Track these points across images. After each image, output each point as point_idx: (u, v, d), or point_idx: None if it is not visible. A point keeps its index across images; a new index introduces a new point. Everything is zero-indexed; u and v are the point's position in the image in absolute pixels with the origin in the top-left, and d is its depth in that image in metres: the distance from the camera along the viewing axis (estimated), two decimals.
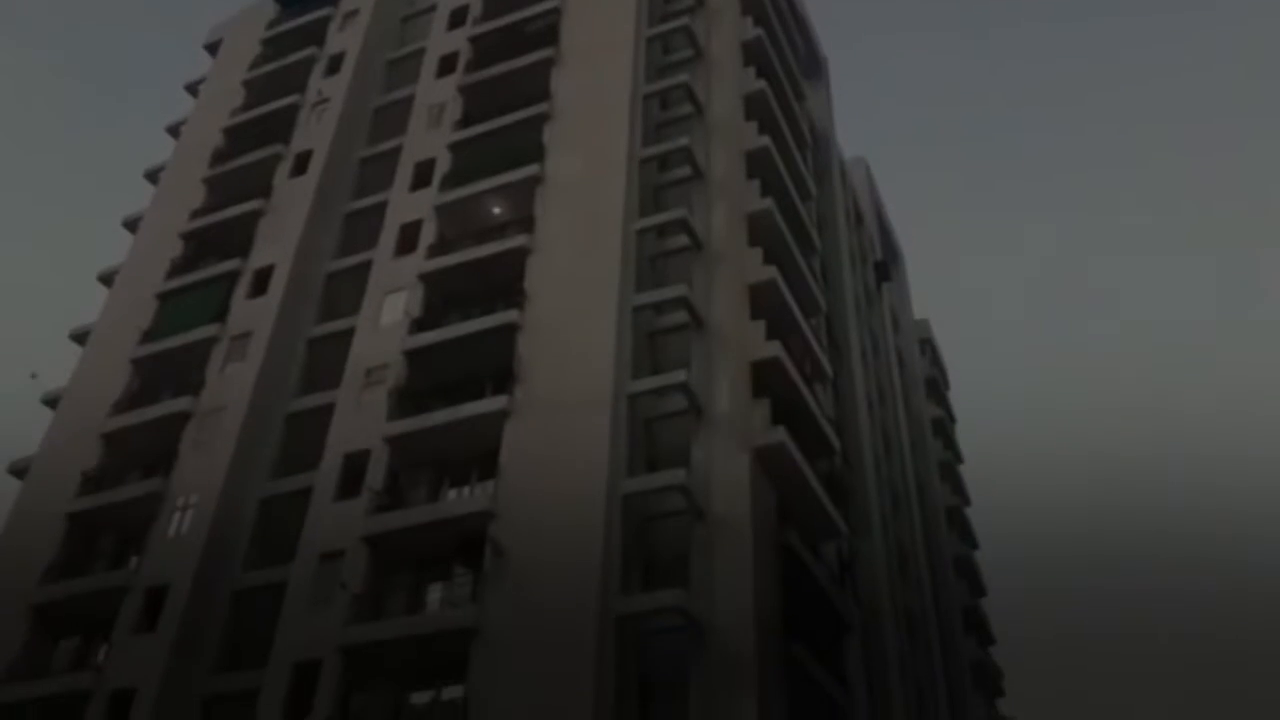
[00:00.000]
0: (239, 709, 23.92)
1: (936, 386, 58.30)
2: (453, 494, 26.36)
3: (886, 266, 51.59)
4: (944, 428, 56.98)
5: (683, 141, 30.70)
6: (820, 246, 36.15)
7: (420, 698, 23.25)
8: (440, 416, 26.47)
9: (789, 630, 23.42)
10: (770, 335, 26.58)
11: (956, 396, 62.94)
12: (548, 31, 35.35)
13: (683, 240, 28.82)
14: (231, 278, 33.55)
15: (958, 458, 59.06)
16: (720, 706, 20.71)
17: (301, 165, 36.03)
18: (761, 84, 33.08)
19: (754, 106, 32.65)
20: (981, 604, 53.94)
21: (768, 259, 28.39)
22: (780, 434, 24.78)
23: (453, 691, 22.42)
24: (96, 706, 25.10)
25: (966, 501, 57.60)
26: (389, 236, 32.34)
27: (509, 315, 27.64)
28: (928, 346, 59.21)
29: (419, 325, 29.05)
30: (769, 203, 29.54)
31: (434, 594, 24.35)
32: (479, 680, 21.75)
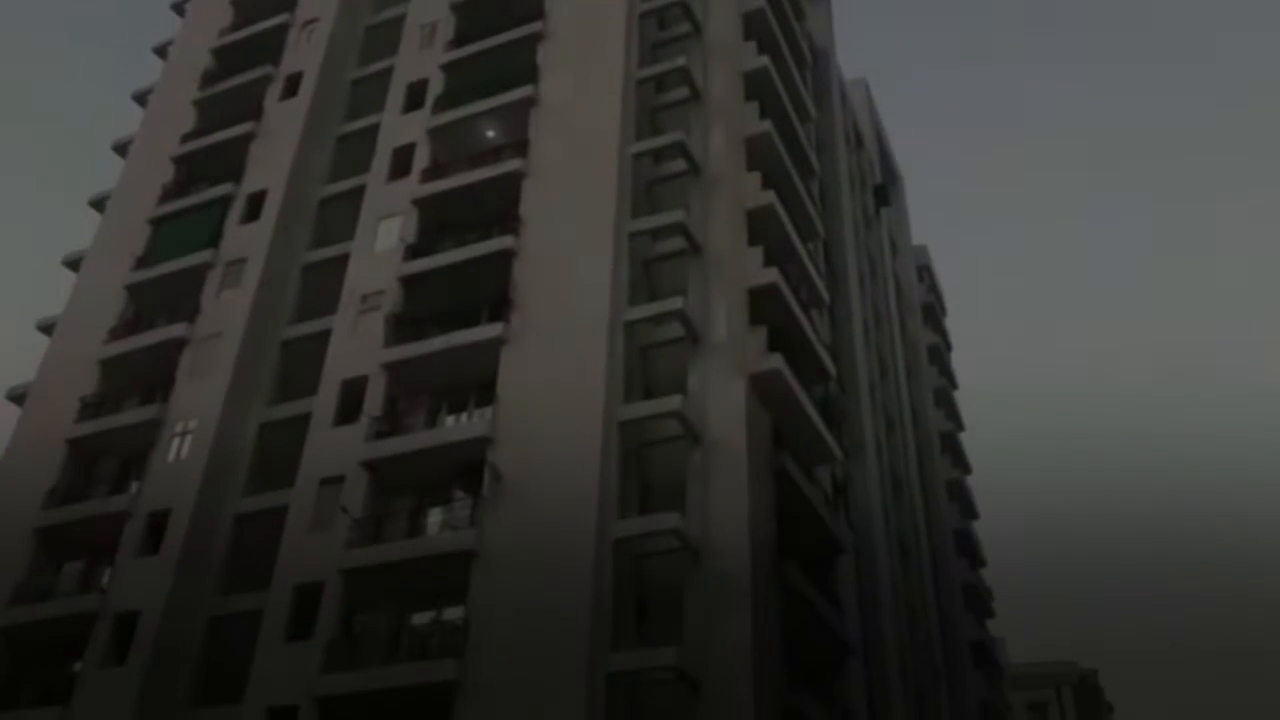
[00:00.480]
0: (242, 630, 24.37)
1: (933, 312, 58.28)
2: (451, 420, 26.48)
3: (886, 190, 51.10)
4: (940, 354, 57.12)
5: (680, 62, 30.12)
6: (819, 170, 35.77)
7: (421, 618, 23.69)
8: (437, 343, 26.48)
9: (783, 552, 23.79)
10: (768, 261, 26.46)
11: (953, 323, 63.05)
12: None
13: (680, 165, 28.49)
14: (224, 202, 33.22)
15: (953, 384, 59.34)
16: (715, 625, 21.15)
17: (292, 87, 35.39)
18: (761, 2, 32.36)
19: (753, 25, 31.99)
20: (973, 527, 54.73)
21: (766, 183, 28.12)
22: (776, 361, 24.83)
23: (453, 612, 22.85)
24: (102, 627, 25.56)
25: (960, 427, 58.02)
26: (382, 160, 31.94)
27: (504, 242, 27.45)
28: (925, 272, 59.02)
29: (414, 251, 28.86)
30: (768, 125, 29.13)
31: (434, 518, 24.63)
32: (479, 601, 22.14)
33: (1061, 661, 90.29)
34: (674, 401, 23.60)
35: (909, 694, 33.72)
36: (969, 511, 55.23)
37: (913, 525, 41.33)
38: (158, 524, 26.92)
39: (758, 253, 26.52)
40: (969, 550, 52.97)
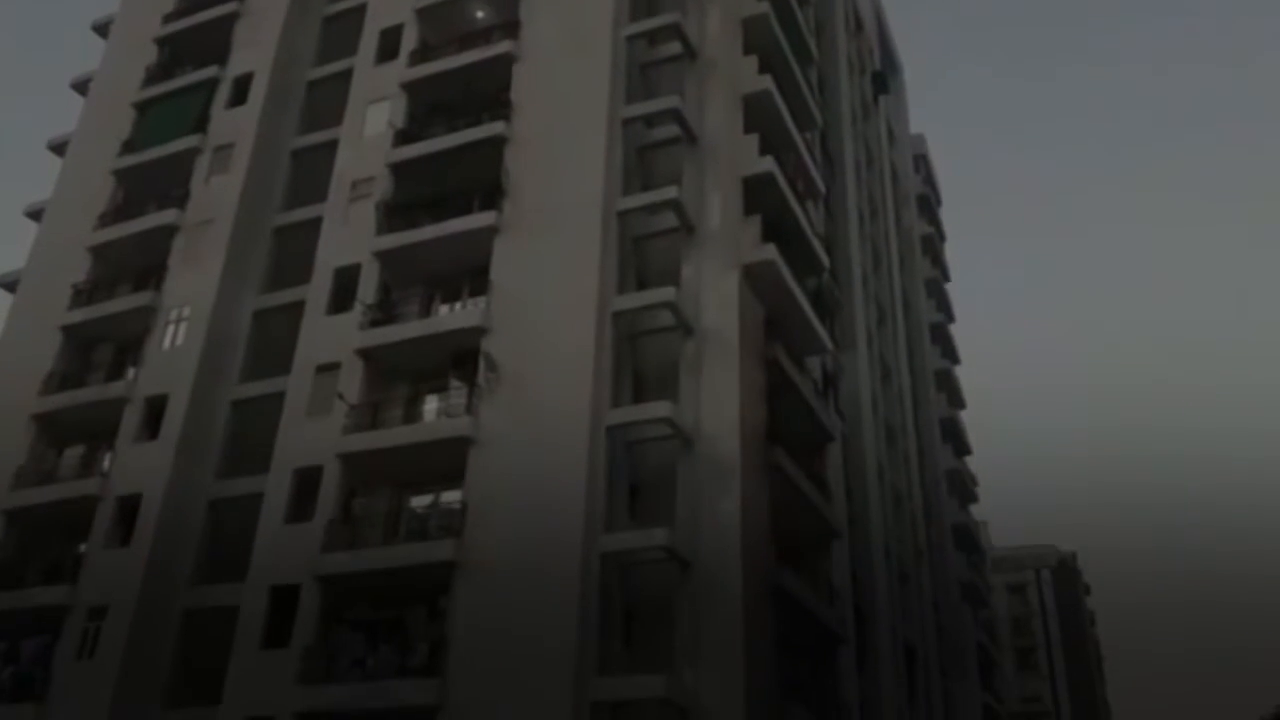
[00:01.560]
0: (243, 511, 24.97)
1: (928, 203, 57.92)
2: (444, 310, 26.56)
3: (885, 78, 50.12)
4: (933, 245, 57.01)
5: None
6: (817, 55, 35.02)
7: (419, 502, 24.28)
8: (429, 232, 26.35)
9: (772, 439, 24.26)
10: (763, 150, 26.17)
11: (947, 215, 62.70)
12: None
13: (675, 48, 27.86)
14: (210, 86, 32.55)
15: (945, 275, 59.40)
16: (705, 508, 21.72)
17: None
18: None
19: None
20: (960, 416, 55.61)
21: (763, 68, 27.56)
22: (770, 252, 24.82)
23: (451, 496, 23.41)
24: (105, 510, 26.14)
25: (951, 318, 58.37)
26: (369, 42, 31.17)
27: (495, 128, 27.03)
28: (922, 163, 58.39)
29: (404, 137, 28.45)
30: (765, 7, 28.38)
31: (430, 405, 24.95)
32: (476, 485, 22.66)
33: (1041, 545, 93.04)
34: (667, 292, 23.68)
35: (892, 574, 34.87)
36: (956, 401, 56.05)
37: (900, 413, 41.99)
38: (156, 409, 27.27)
39: (753, 140, 26.20)
40: (955, 438, 53.96)
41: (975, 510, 58.21)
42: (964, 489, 54.20)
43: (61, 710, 23.66)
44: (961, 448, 55.39)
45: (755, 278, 24.96)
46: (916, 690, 35.46)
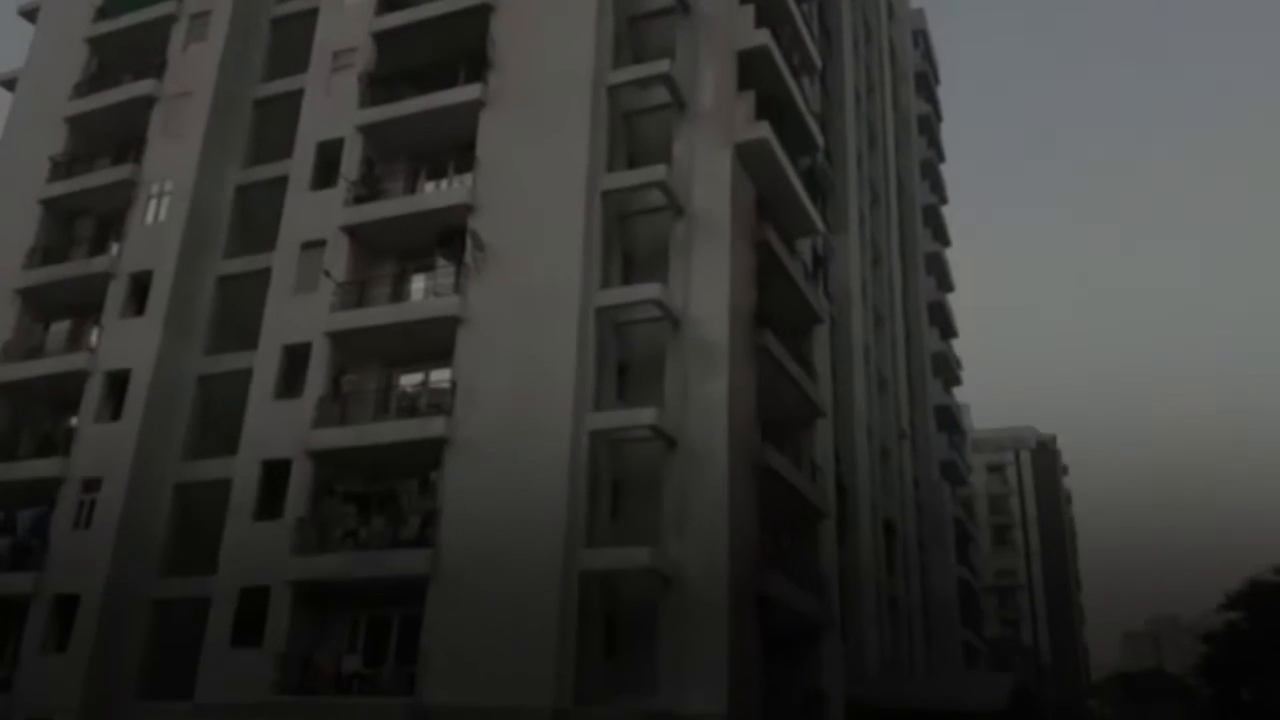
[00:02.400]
0: (232, 387, 25.10)
1: (926, 81, 56.69)
2: (430, 186, 26.17)
3: None
4: (929, 124, 56.10)
5: None
6: None
7: (409, 380, 24.43)
8: (413, 105, 25.71)
9: (761, 321, 24.33)
10: (759, 22, 25.39)
11: (944, 94, 61.41)
12: None
13: None
14: None
15: (940, 156, 58.65)
16: (693, 389, 21.93)
17: None
18: None
19: None
20: (947, 299, 55.77)
21: None
22: (764, 130, 24.36)
23: (440, 375, 23.55)
24: (94, 384, 26.25)
25: (944, 200, 57.91)
26: None
27: None
28: (921, 38, 56.89)
29: (387, 5, 27.46)
30: None
31: (417, 284, 24.84)
32: (465, 364, 22.76)
33: (1021, 426, 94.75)
34: (658, 171, 23.32)
35: (874, 452, 35.58)
36: (945, 284, 56.14)
37: (889, 297, 42.10)
38: (141, 285, 27.09)
39: (749, 11, 25.39)
40: (942, 321, 54.27)
41: (958, 393, 59.05)
42: (948, 372, 54.82)
43: (60, 579, 24.25)
44: (948, 331, 55.77)
45: (748, 156, 24.57)
46: (894, 563, 36.64)
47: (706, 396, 21.83)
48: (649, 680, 19.95)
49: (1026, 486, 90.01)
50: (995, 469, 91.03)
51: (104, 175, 28.96)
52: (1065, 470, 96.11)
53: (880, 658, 32.50)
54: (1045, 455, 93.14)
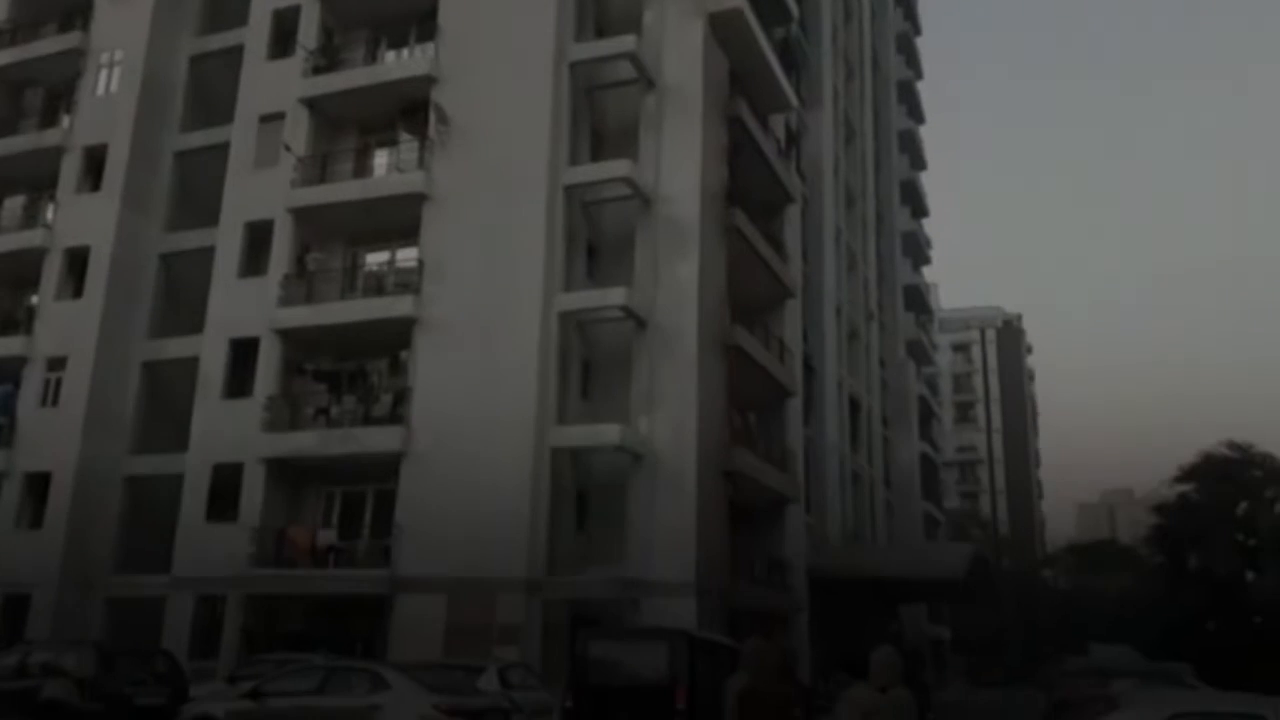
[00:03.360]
0: (195, 265, 24.71)
1: None
2: (391, 56, 25.31)
3: None
4: None
5: None
6: None
7: (376, 258, 24.15)
8: None
9: (732, 200, 24.10)
10: None
11: None
12: None
13: None
14: None
15: (916, 29, 57.34)
16: (662, 267, 21.85)
17: None
18: None
19: None
20: (919, 178, 55.44)
21: None
22: None
23: (407, 254, 23.27)
24: (53, 263, 25.76)
25: (919, 75, 56.90)
26: None
27: None
28: None
29: None
30: None
31: (380, 159, 24.29)
32: (431, 243, 22.47)
33: (988, 306, 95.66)
34: (627, 42, 22.63)
35: (842, 332, 35.90)
36: (918, 162, 55.72)
37: (861, 176, 41.75)
38: (96, 159, 26.33)
39: None
40: (913, 200, 54.07)
41: (927, 272, 59.30)
42: (918, 251, 54.93)
43: (30, 457, 24.29)
44: (919, 210, 55.62)
45: (720, 27, 23.88)
46: (859, 439, 37.43)
47: (677, 277, 21.77)
48: (619, 552, 20.51)
49: (990, 365, 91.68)
50: (961, 348, 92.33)
51: (50, 44, 27.77)
52: (1029, 349, 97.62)
53: (843, 529, 33.53)
54: (1010, 334, 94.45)
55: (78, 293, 25.44)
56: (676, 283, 21.70)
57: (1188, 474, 38.25)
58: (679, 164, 22.38)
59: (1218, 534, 34.83)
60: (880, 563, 33.05)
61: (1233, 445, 37.59)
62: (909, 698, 6.38)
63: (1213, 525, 35.22)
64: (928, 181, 57.49)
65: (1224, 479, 36.70)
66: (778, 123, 29.06)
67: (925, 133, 57.47)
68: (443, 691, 12.12)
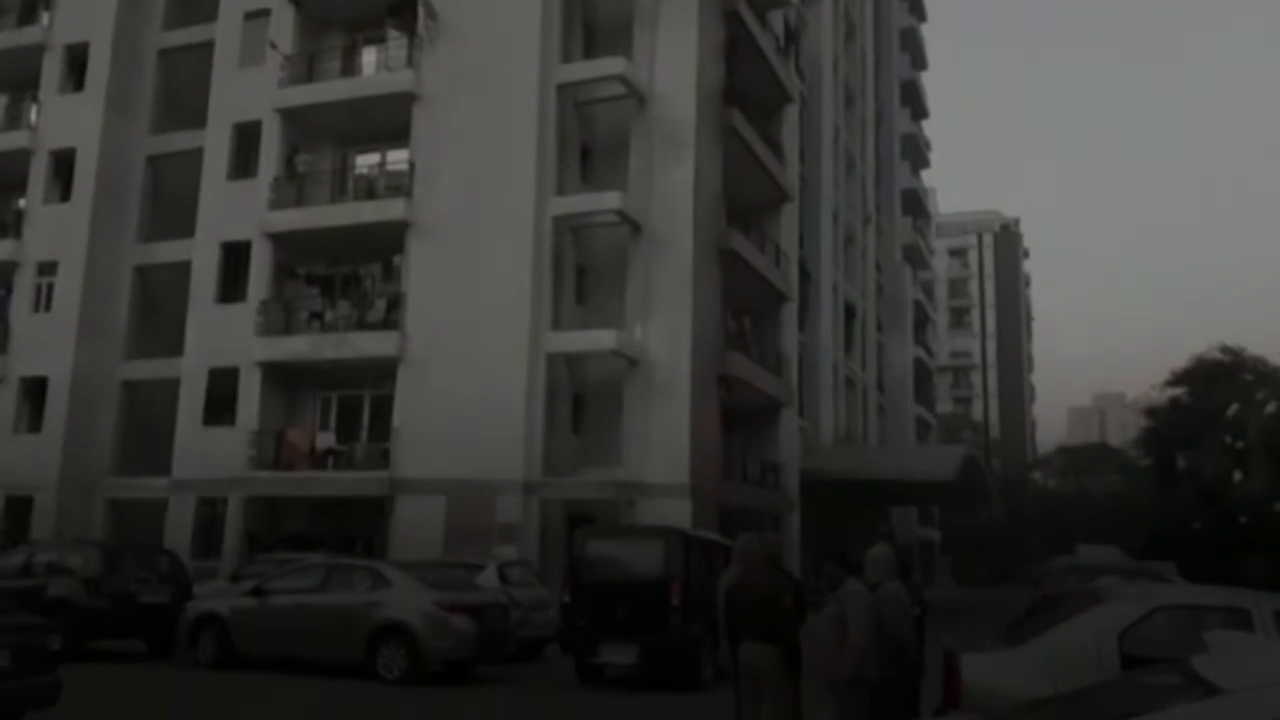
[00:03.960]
0: (184, 168, 24.29)
1: None
2: None
3: None
4: None
5: None
6: None
7: (366, 160, 23.76)
8: None
9: (728, 100, 23.61)
10: None
11: None
12: None
13: None
14: None
15: None
16: (658, 170, 21.53)
17: None
18: None
19: None
20: (920, 78, 54.35)
21: None
22: None
23: (398, 155, 22.89)
24: (39, 165, 25.34)
25: None
26: None
27: None
28: None
29: None
30: None
31: (368, 57, 23.69)
32: (422, 144, 22.08)
33: (985, 211, 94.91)
34: None
35: (838, 236, 35.64)
36: (919, 62, 54.55)
37: (861, 75, 40.89)
38: (78, 58, 25.67)
39: None
40: (914, 101, 53.09)
41: (926, 176, 58.63)
42: (917, 154, 54.20)
43: (25, 361, 24.28)
44: (919, 111, 54.68)
45: None
46: (853, 344, 37.53)
47: (672, 180, 21.47)
48: (615, 454, 20.73)
49: (987, 271, 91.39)
50: (957, 253, 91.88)
51: None
52: (1026, 254, 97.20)
53: (835, 433, 33.86)
54: (1007, 239, 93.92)
55: (65, 196, 25.08)
56: (672, 186, 21.42)
57: (1180, 378, 38.48)
58: (675, 61, 21.87)
59: (1207, 436, 35.19)
60: (872, 465, 33.46)
61: (1225, 349, 37.75)
62: (903, 592, 6.50)
63: (1202, 428, 35.55)
64: (928, 82, 56.39)
65: (1215, 382, 36.94)
66: (776, 19, 28.32)
67: (926, 31, 56.14)
68: (443, 589, 12.36)
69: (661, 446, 20.25)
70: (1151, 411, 40.55)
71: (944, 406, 75.33)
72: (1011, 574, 58.94)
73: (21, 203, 25.75)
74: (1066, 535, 53.62)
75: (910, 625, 6.51)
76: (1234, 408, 35.82)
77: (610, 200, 20.94)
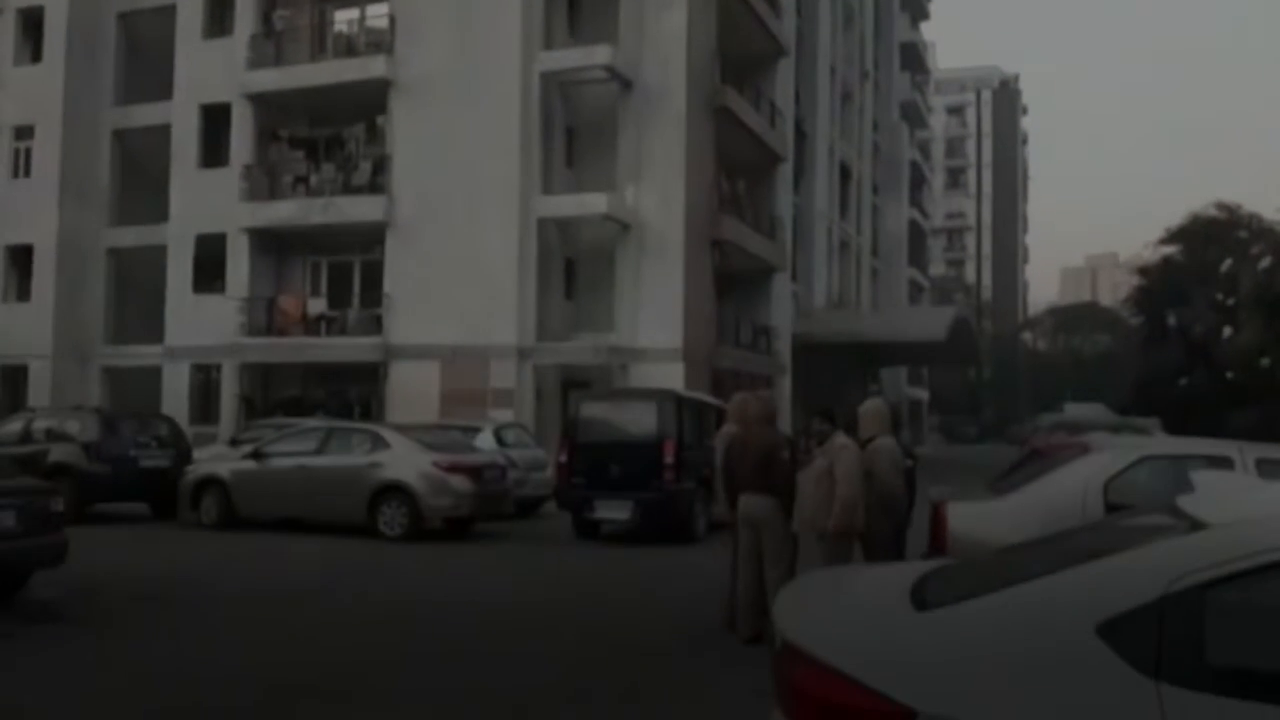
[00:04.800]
0: (158, 24, 23.45)
1: None
2: None
3: None
4: None
5: None
6: None
7: (345, 15, 22.89)
8: None
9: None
10: None
11: None
12: None
13: None
14: None
15: None
16: (648, 23, 20.81)
17: None
18: None
19: None
20: None
21: None
22: None
23: (378, 10, 22.08)
24: (6, 24, 24.47)
25: None
26: None
27: None
28: None
29: None
30: None
31: None
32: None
33: (984, 66, 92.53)
34: None
35: (835, 94, 34.76)
36: None
37: None
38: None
39: None
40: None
41: (925, 29, 56.84)
42: (916, 4, 52.38)
43: (9, 229, 23.95)
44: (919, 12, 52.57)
45: None
46: (848, 206, 37.10)
47: (663, 32, 20.77)
48: (608, 319, 20.74)
49: (985, 129, 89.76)
50: (955, 111, 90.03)
51: None
52: (1025, 110, 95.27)
53: (828, 297, 33.84)
54: (1006, 96, 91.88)
55: (37, 57, 24.25)
56: (663, 39, 20.74)
57: (1174, 235, 38.27)
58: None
59: (1198, 293, 35.26)
60: (863, 326, 33.60)
61: (1221, 206, 37.44)
62: (895, 445, 6.58)
63: (1194, 285, 35.59)
64: None
65: (1209, 240, 36.78)
66: None
67: None
68: (441, 450, 12.52)
69: (654, 311, 20.23)
70: (1144, 270, 40.49)
71: (937, 269, 75.21)
72: (999, 432, 60.12)
73: None
74: (1054, 394, 54.44)
75: (900, 478, 6.61)
76: (1227, 263, 35.78)
77: (600, 55, 20.29)
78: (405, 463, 12.12)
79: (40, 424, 14.36)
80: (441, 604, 8.21)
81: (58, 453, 13.40)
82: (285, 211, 21.72)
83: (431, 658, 6.37)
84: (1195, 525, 2.35)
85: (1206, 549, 2.16)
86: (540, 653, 6.51)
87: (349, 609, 8.01)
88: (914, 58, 50.34)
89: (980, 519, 5.87)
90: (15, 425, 14.47)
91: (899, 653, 2.24)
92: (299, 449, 12.91)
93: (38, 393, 22.94)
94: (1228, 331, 34.60)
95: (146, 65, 24.24)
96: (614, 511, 12.08)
